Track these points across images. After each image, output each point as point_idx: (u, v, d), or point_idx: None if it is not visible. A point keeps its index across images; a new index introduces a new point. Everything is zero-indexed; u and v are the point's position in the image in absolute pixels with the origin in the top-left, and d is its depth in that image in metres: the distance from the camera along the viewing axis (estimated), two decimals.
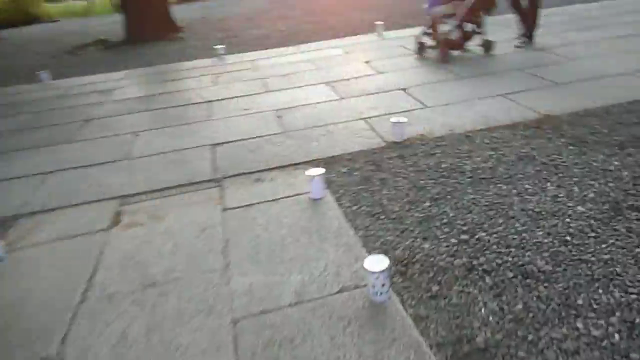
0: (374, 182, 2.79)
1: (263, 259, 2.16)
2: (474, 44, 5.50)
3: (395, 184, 2.73)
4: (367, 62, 5.72)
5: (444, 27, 5.35)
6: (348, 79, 5.07)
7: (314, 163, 3.15)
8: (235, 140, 3.71)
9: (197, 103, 4.80)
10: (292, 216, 2.52)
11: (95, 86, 6.10)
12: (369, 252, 2.11)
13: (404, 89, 4.51)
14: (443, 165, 2.87)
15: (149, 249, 2.37)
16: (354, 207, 2.54)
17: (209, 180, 3.09)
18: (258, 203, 2.71)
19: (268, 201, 2.72)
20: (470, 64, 5.10)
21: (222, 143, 3.69)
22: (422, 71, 5.08)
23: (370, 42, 6.99)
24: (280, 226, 2.43)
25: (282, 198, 2.74)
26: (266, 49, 7.29)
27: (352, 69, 5.50)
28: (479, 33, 5.40)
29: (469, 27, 5.38)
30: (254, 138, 3.72)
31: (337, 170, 3.01)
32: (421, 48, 5.67)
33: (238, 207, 2.69)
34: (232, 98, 4.83)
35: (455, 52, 5.45)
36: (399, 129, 3.34)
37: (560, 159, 2.79)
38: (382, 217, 2.40)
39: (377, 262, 1.79)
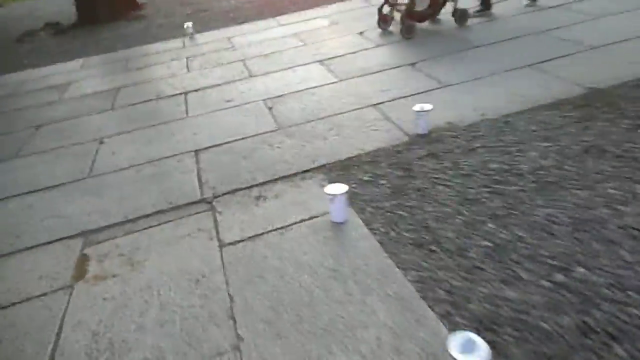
0: (409, 194, 2.20)
1: (287, 331, 1.57)
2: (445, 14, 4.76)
3: (438, 195, 2.15)
4: (360, 33, 5.03)
5: None
6: (343, 55, 4.39)
7: (326, 170, 2.54)
8: (222, 143, 3.05)
9: (170, 96, 4.07)
10: (313, 252, 1.92)
11: (48, 80, 5.26)
12: (433, 307, 1.55)
13: (412, 64, 3.87)
14: (492, 166, 2.29)
15: (125, 318, 1.75)
16: (392, 234, 1.95)
17: (198, 202, 2.45)
18: (265, 233, 2.10)
19: (278, 229, 2.11)
20: (482, 30, 4.47)
21: (207, 148, 3.02)
22: (427, 41, 4.43)
23: (358, 8, 6.25)
24: (300, 269, 1.84)
25: (295, 224, 2.13)
26: (241, 23, 6.49)
27: (345, 42, 4.81)
28: (450, 0, 4.65)
29: None
30: (244, 138, 3.06)
31: (358, 179, 2.40)
32: (384, 20, 4.87)
33: (240, 241, 2.08)
34: (211, 87, 4.11)
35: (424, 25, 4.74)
36: (424, 119, 2.74)
37: (637, 148, 2.24)
38: (435, 248, 1.83)
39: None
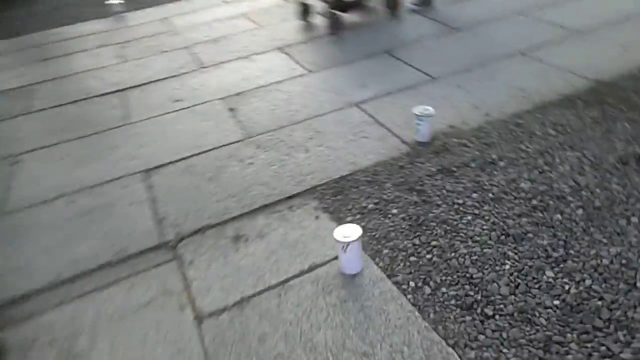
0: (433, 227, 1.77)
1: None
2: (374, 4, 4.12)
3: (470, 229, 1.74)
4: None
5: None
6: (307, 42, 3.84)
7: (317, 194, 2.05)
8: (178, 160, 2.45)
9: (103, 94, 3.33)
10: (329, 325, 1.45)
11: None
12: None
13: (388, 52, 3.42)
14: (523, 186, 1.91)
15: None
16: (427, 290, 1.52)
17: (157, 248, 1.88)
18: (256, 295, 1.60)
19: (272, 288, 1.61)
20: (454, 10, 4.08)
21: (160, 166, 2.41)
22: (399, 25, 3.98)
23: None
24: (318, 356, 1.36)
25: (294, 278, 1.64)
26: (176, 1, 5.66)
27: (307, 23, 4.24)
28: None
29: None
30: (206, 152, 2.48)
31: (361, 207, 1.94)
32: (305, 11, 4.12)
33: (224, 310, 1.56)
34: (154, 82, 3.42)
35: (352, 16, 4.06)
36: (426, 125, 2.31)
37: None
38: (489, 311, 1.42)
39: None
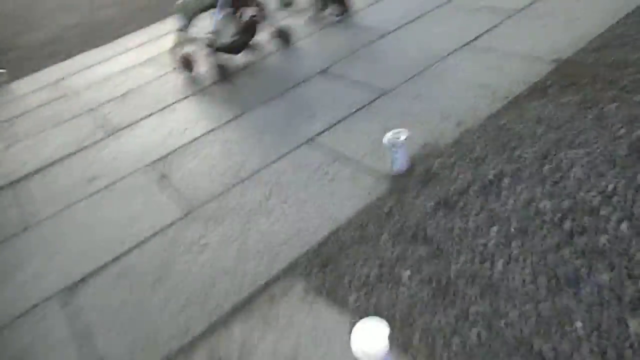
0: (462, 288, 1.38)
1: None
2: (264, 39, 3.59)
3: (509, 281, 1.37)
4: None
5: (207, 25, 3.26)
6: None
7: (302, 271, 1.60)
8: (107, 264, 1.89)
9: None
10: None
11: None
12: None
13: (323, 72, 3.05)
14: (542, 206, 1.58)
15: None
16: None
17: None
18: None
19: None
20: (375, 13, 3.81)
21: (84, 279, 1.84)
22: (325, 32, 3.64)
23: None
24: None
25: None
26: (68, 58, 4.95)
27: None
28: (263, 20, 3.43)
29: (248, 13, 3.34)
30: (141, 244, 1.95)
31: (364, 275, 1.52)
32: (186, 63, 3.44)
33: None
34: (57, 162, 2.79)
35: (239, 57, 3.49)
36: (402, 152, 1.94)
37: None
38: None
39: None
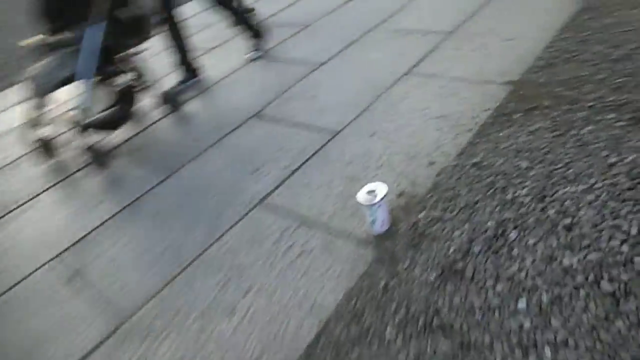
0: None
1: None
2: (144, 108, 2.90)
3: None
4: None
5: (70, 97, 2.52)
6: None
7: None
8: None
9: None
10: None
11: None
12: None
13: (257, 115, 2.68)
14: (569, 263, 1.33)
15: None
16: None
17: None
18: None
19: None
20: (296, 45, 3.53)
21: None
22: (247, 70, 3.26)
23: None
24: None
25: None
26: None
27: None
28: (138, 82, 2.75)
29: (121, 80, 2.67)
30: None
31: None
32: (47, 147, 2.65)
33: None
34: None
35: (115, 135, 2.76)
36: (383, 210, 1.62)
37: None
38: None
39: None
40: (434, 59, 2.76)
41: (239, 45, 3.53)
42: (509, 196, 1.63)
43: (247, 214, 1.92)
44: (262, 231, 1.81)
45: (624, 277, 1.24)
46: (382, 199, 1.58)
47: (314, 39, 3.53)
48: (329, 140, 2.27)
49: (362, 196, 1.61)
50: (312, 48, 3.35)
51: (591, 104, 1.98)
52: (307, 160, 2.16)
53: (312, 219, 1.81)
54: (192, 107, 3.00)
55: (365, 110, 2.43)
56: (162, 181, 2.29)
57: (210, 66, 3.37)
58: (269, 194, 2.01)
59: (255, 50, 3.44)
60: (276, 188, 2.03)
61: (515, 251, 1.42)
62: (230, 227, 1.87)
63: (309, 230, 1.75)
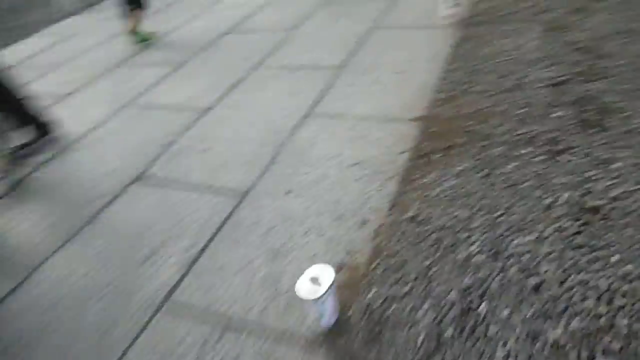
0: None
1: None
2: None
3: None
4: None
5: None
6: None
7: None
8: None
9: None
10: None
11: None
12: None
13: (139, 178, 2.19)
14: (554, 337, 1.18)
15: None
16: None
17: None
18: None
19: None
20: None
21: None
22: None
23: None
24: None
25: None
26: None
27: None
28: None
29: None
30: None
31: None
32: None
33: None
34: None
35: None
36: (331, 300, 1.32)
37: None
38: None
39: None
40: (332, 97, 2.58)
41: (104, 86, 2.96)
42: (461, 255, 1.46)
43: (146, 325, 1.46)
44: (173, 349, 1.37)
45: (616, 345, 1.12)
46: (329, 287, 1.28)
47: (191, 79, 3.11)
48: (237, 205, 1.90)
49: (304, 289, 1.29)
50: (192, 90, 2.94)
51: (504, 138, 1.95)
52: (215, 235, 1.77)
53: (238, 318, 1.43)
54: (47, 176, 2.37)
55: (271, 163, 2.12)
56: (2, 299, 1.68)
57: (67, 118, 2.75)
58: (172, 290, 1.57)
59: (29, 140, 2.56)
60: (181, 280, 1.60)
61: (492, 329, 1.23)
62: (126, 350, 1.39)
63: (237, 337, 1.37)
